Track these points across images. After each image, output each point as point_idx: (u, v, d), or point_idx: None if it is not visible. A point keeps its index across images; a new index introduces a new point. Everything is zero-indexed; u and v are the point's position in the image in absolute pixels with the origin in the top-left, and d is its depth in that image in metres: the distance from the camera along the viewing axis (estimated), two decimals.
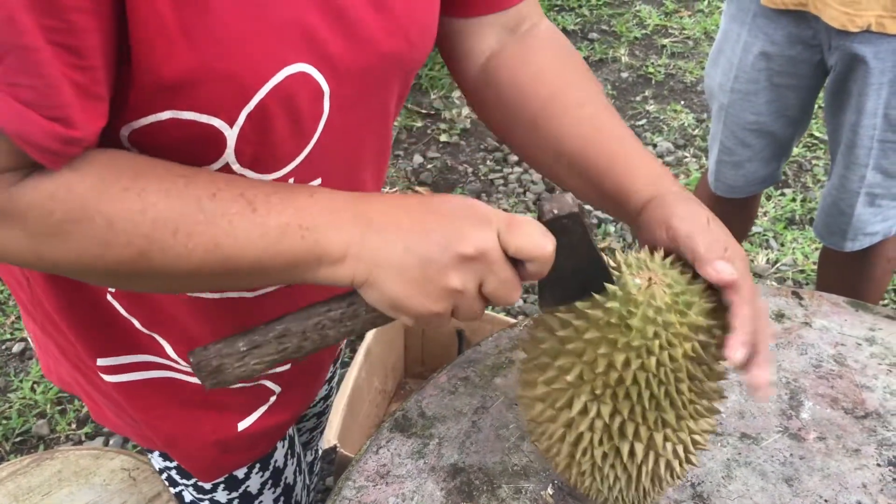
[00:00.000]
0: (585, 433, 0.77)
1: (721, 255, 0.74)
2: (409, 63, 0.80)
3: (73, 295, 0.84)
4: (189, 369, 0.90)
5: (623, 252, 0.80)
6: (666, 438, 0.77)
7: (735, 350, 0.71)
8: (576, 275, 0.72)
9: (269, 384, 0.97)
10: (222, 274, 0.67)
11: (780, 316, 1.16)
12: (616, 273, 0.74)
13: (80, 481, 1.39)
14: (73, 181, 0.63)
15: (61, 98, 0.58)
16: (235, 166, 0.71)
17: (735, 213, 1.95)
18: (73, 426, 2.12)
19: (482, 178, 3.03)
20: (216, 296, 0.84)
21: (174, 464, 1.02)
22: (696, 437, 0.79)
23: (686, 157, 3.13)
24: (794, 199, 2.84)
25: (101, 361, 0.88)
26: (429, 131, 3.27)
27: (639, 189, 0.81)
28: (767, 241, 2.71)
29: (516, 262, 0.68)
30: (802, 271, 2.59)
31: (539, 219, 0.69)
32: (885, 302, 2.46)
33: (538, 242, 0.67)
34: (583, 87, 0.88)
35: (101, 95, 0.61)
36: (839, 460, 0.95)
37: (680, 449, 0.78)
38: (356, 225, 0.66)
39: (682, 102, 3.44)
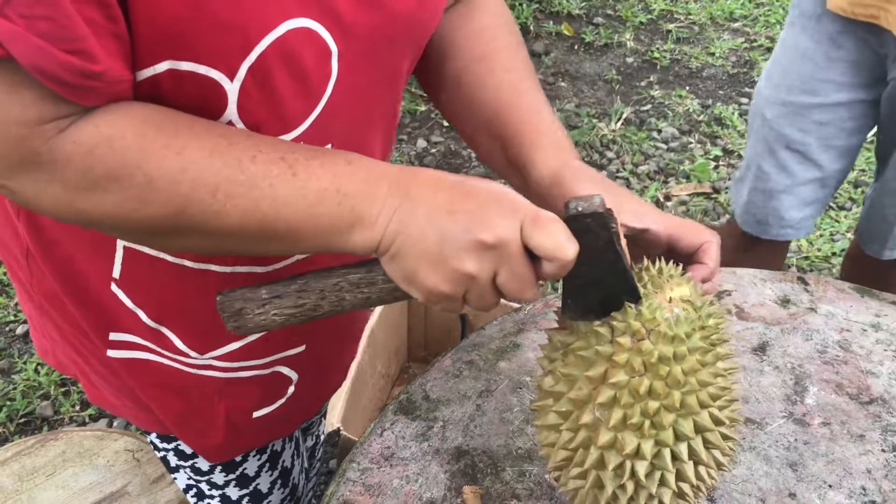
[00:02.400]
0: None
1: (669, 236, 0.78)
2: (420, 24, 0.80)
3: (78, 280, 0.84)
4: (200, 361, 0.90)
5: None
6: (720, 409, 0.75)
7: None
8: (599, 286, 0.69)
9: (285, 371, 0.96)
10: (258, 235, 0.68)
11: (785, 301, 1.16)
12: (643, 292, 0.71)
13: (84, 462, 1.40)
14: (114, 137, 0.63)
15: (77, 30, 0.58)
16: (240, 125, 0.70)
17: (758, 260, 1.79)
18: (77, 408, 2.13)
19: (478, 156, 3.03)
20: (227, 269, 0.83)
21: (172, 445, 1.02)
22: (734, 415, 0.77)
23: (691, 142, 3.12)
24: None
25: (112, 335, 0.88)
26: (432, 115, 3.25)
27: (541, 160, 0.83)
28: None
29: (536, 259, 0.67)
30: (807, 258, 2.59)
31: (564, 217, 0.67)
32: None
33: (559, 242, 0.66)
34: (513, 55, 0.90)
35: (117, 34, 0.61)
36: (844, 446, 0.95)
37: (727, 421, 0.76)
38: (391, 195, 0.67)
39: (688, 88, 3.43)
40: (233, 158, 0.65)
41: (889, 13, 1.43)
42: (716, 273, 0.79)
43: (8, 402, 2.12)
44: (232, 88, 0.67)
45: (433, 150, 3.08)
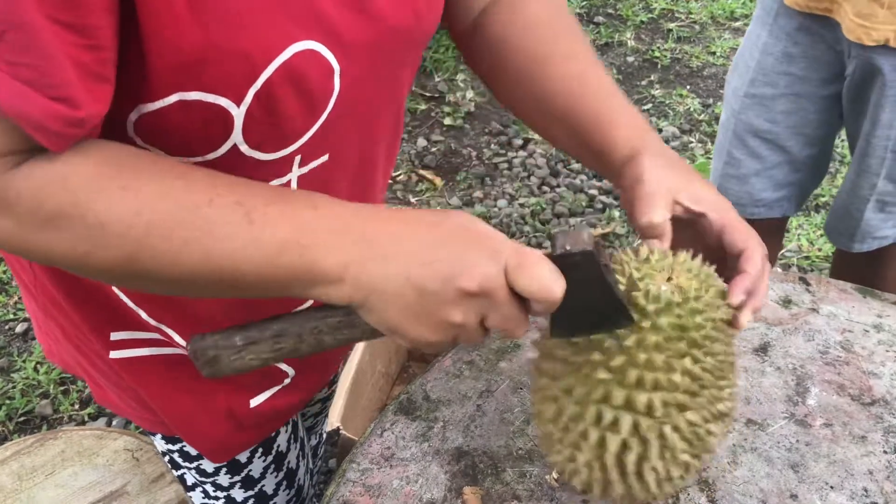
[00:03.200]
0: (682, 447, 0.76)
1: (720, 227, 0.76)
2: (418, 36, 0.80)
3: (77, 282, 0.84)
4: None
5: (627, 238, 0.79)
6: (714, 416, 0.77)
7: (737, 295, 0.74)
8: (590, 310, 0.69)
9: (282, 366, 0.97)
10: (216, 284, 0.65)
11: (787, 302, 1.15)
12: (637, 289, 0.72)
13: (83, 461, 1.39)
14: (69, 174, 0.61)
15: (64, 77, 0.57)
16: (243, 147, 0.70)
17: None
18: (77, 406, 2.13)
19: (486, 161, 3.02)
20: None
21: (177, 446, 1.02)
22: (729, 394, 0.79)
23: (692, 142, 3.11)
24: None
25: (113, 335, 0.88)
26: (433, 114, 3.25)
27: (620, 145, 0.82)
28: None
29: (524, 297, 0.66)
30: (807, 258, 2.58)
31: (551, 253, 0.66)
32: None
33: (546, 285, 0.64)
34: (572, 40, 0.88)
35: (105, 77, 0.60)
36: (845, 447, 0.94)
37: (729, 402, 0.78)
38: (357, 247, 0.64)
39: (688, 87, 3.42)
40: (189, 203, 0.62)
41: (841, 7, 1.45)
42: (758, 285, 0.76)
43: (7, 401, 2.11)
44: (238, 113, 0.66)
45: (433, 149, 3.07)
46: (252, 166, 0.73)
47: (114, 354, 0.89)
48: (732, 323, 0.75)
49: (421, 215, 0.66)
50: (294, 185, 0.78)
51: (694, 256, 0.76)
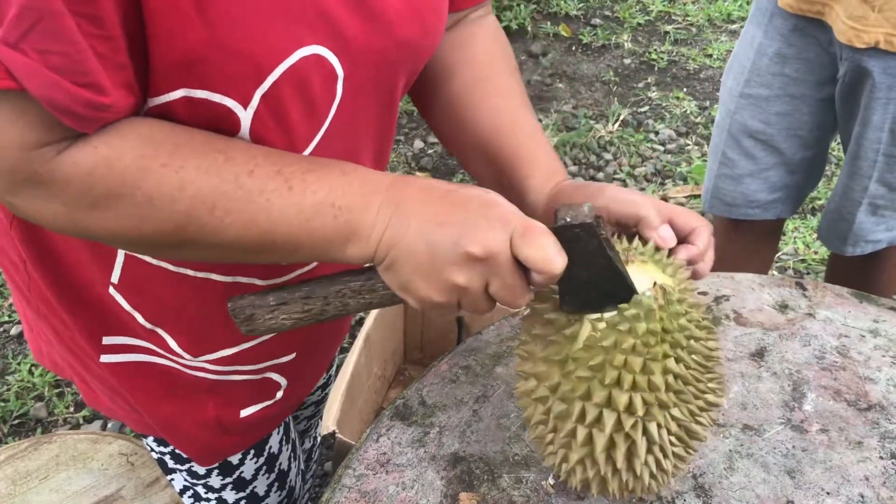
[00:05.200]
0: (665, 443, 0.76)
1: (662, 221, 0.78)
2: (422, 49, 0.81)
3: (71, 284, 0.83)
4: (193, 363, 0.90)
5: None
6: (711, 392, 0.78)
7: (666, 232, 0.78)
8: (593, 284, 0.71)
9: (275, 377, 0.96)
10: (257, 247, 0.69)
11: (783, 307, 1.15)
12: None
13: (77, 466, 1.39)
14: (113, 157, 0.64)
15: (89, 64, 0.59)
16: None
17: (743, 249, 1.81)
18: (71, 409, 2.12)
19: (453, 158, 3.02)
20: (228, 279, 0.83)
21: (169, 448, 1.01)
22: (716, 385, 0.80)
23: (688, 144, 3.11)
24: None
25: (105, 339, 0.88)
26: None
27: (537, 183, 0.86)
28: None
29: (527, 269, 0.68)
30: (804, 261, 2.58)
31: (553, 227, 0.69)
32: None
33: (548, 256, 0.67)
34: (508, 80, 0.92)
35: (124, 64, 0.62)
36: (842, 453, 0.94)
37: (711, 396, 0.79)
38: (384, 208, 0.68)
39: (685, 90, 3.42)
40: (230, 174, 0.66)
41: (833, 10, 1.45)
42: (704, 256, 0.80)
43: (2, 404, 2.11)
44: (245, 116, 0.68)
45: (430, 151, 3.07)
46: None
47: (104, 358, 0.89)
48: None
49: (440, 183, 0.71)
50: None
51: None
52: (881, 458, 0.94)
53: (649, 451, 0.76)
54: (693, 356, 0.74)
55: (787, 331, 1.11)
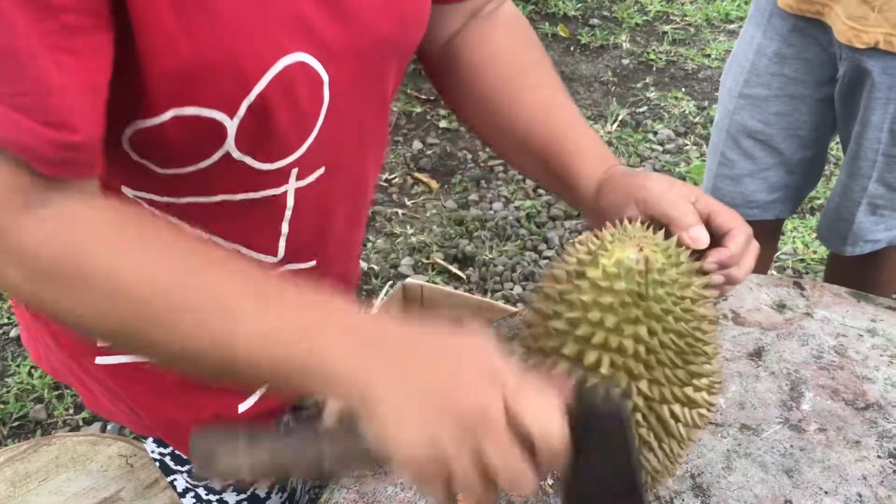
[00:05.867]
0: (631, 417, 0.76)
1: (695, 221, 0.76)
2: (404, 46, 0.80)
3: None
4: None
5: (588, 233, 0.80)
6: (696, 389, 0.77)
7: (697, 232, 0.75)
8: (604, 485, 0.60)
9: None
10: (217, 365, 0.62)
11: (781, 306, 1.15)
12: (603, 251, 0.73)
13: (77, 467, 1.39)
14: (90, 238, 0.60)
15: (60, 101, 0.57)
16: (235, 153, 0.70)
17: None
18: (71, 411, 2.12)
19: (481, 164, 3.02)
20: None
21: (168, 450, 1.01)
22: (714, 377, 0.80)
23: (687, 144, 3.12)
24: None
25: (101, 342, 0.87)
26: (428, 117, 3.25)
27: (587, 172, 0.83)
28: None
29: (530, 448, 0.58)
30: (802, 260, 2.59)
31: (572, 405, 0.59)
32: None
33: (546, 418, 0.57)
34: (539, 70, 0.90)
35: (101, 93, 0.60)
36: (839, 452, 0.94)
37: (705, 394, 0.79)
38: (363, 355, 0.61)
39: (684, 90, 3.43)
40: (207, 279, 0.61)
41: (832, 10, 1.45)
42: (737, 260, 0.77)
43: (1, 406, 2.11)
44: (231, 125, 0.67)
45: (429, 152, 3.07)
46: (245, 175, 0.73)
47: (100, 360, 0.89)
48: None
49: (425, 329, 0.63)
50: (291, 197, 0.78)
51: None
52: (879, 457, 0.94)
53: None
54: (671, 336, 0.72)
55: (785, 330, 1.11)
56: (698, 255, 0.77)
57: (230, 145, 0.69)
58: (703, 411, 0.79)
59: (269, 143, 0.71)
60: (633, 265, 0.71)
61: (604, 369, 0.72)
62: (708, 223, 0.79)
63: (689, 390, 0.76)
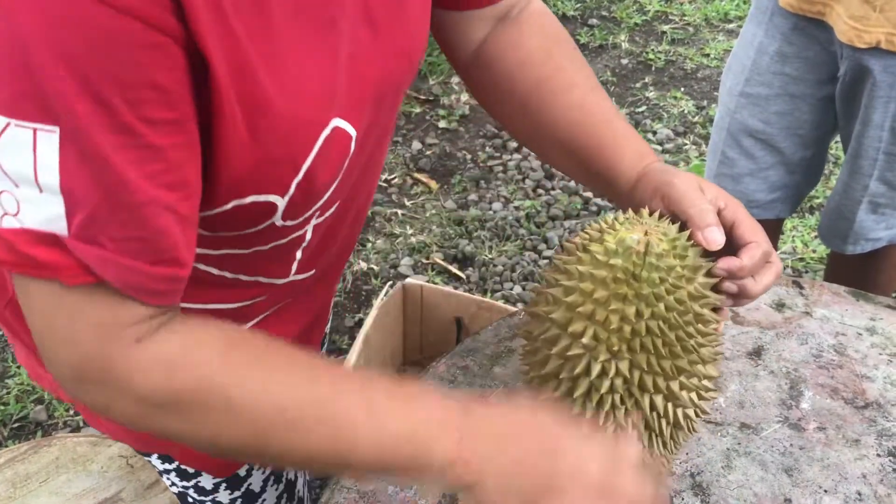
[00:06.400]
0: (606, 396, 0.76)
1: (713, 221, 0.76)
2: (411, 79, 0.83)
3: None
4: None
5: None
6: (682, 386, 0.77)
7: (712, 233, 0.75)
8: None
9: None
10: (333, 466, 0.68)
11: (780, 305, 1.16)
12: (611, 230, 0.75)
13: (77, 468, 1.39)
14: (202, 361, 0.63)
15: (169, 242, 0.59)
16: (279, 222, 0.72)
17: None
18: (71, 412, 2.12)
19: (481, 164, 3.02)
20: (233, 305, 0.85)
21: (174, 465, 1.00)
22: (707, 382, 0.80)
23: (686, 144, 3.12)
24: None
25: None
26: (427, 117, 3.25)
27: (626, 169, 0.85)
28: None
29: None
30: (802, 259, 2.59)
31: None
32: None
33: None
34: (571, 70, 0.90)
35: (196, 221, 0.63)
36: (839, 450, 0.95)
37: (694, 396, 0.79)
38: (464, 446, 0.67)
39: (683, 89, 3.43)
40: (317, 394, 0.65)
41: (834, 10, 1.45)
42: (747, 273, 0.77)
43: (1, 407, 2.11)
44: (282, 202, 0.69)
45: (428, 153, 3.07)
46: (279, 230, 0.75)
47: None
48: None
49: (518, 416, 0.70)
50: (310, 232, 0.80)
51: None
52: (878, 455, 0.94)
53: (590, 390, 0.76)
54: (658, 322, 0.73)
55: (785, 329, 1.11)
56: (713, 258, 0.77)
57: (277, 217, 0.71)
58: (690, 413, 0.79)
59: (308, 206, 0.73)
60: (633, 244, 0.72)
61: (586, 339, 0.73)
62: (731, 232, 0.79)
63: (674, 385, 0.76)
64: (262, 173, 0.65)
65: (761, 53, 1.60)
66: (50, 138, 0.53)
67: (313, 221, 0.79)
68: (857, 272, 1.75)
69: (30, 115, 0.53)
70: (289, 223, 0.74)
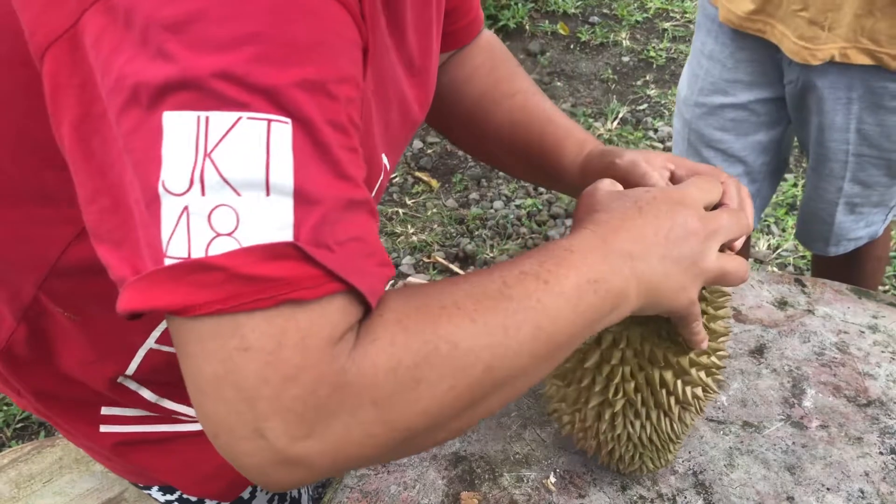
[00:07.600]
0: (616, 368, 0.77)
1: (663, 165, 0.81)
2: (425, 112, 0.87)
3: (68, 388, 0.84)
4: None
5: None
6: (692, 363, 0.78)
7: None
8: None
9: None
10: (547, 355, 0.63)
11: (782, 303, 1.16)
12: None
13: (80, 468, 1.39)
14: (402, 319, 0.56)
15: (379, 243, 0.56)
16: None
17: None
18: None
19: (482, 163, 3.03)
20: None
21: (175, 496, 1.00)
22: (716, 359, 0.81)
23: None
24: (795, 185, 2.83)
25: (103, 410, 0.87)
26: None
27: (570, 160, 0.88)
28: (769, 226, 2.70)
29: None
30: (803, 257, 2.59)
31: None
32: (886, 288, 2.46)
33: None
34: (513, 80, 0.96)
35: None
36: (841, 448, 0.95)
37: (703, 374, 0.80)
38: (623, 260, 0.66)
39: None
40: (496, 294, 0.60)
41: (775, 28, 1.44)
42: (735, 205, 0.80)
43: (5, 407, 2.11)
44: None
45: (429, 151, 3.07)
46: None
47: (104, 429, 0.89)
48: None
49: (633, 214, 0.71)
50: None
51: None
52: (881, 453, 0.94)
53: (601, 362, 0.78)
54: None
55: (787, 327, 1.11)
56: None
57: None
58: (699, 392, 0.80)
59: None
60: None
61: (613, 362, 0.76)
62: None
63: (683, 360, 0.77)
64: None
65: (713, 61, 1.58)
66: (283, 130, 0.49)
67: None
68: (841, 269, 1.75)
69: (262, 106, 0.49)
70: None
